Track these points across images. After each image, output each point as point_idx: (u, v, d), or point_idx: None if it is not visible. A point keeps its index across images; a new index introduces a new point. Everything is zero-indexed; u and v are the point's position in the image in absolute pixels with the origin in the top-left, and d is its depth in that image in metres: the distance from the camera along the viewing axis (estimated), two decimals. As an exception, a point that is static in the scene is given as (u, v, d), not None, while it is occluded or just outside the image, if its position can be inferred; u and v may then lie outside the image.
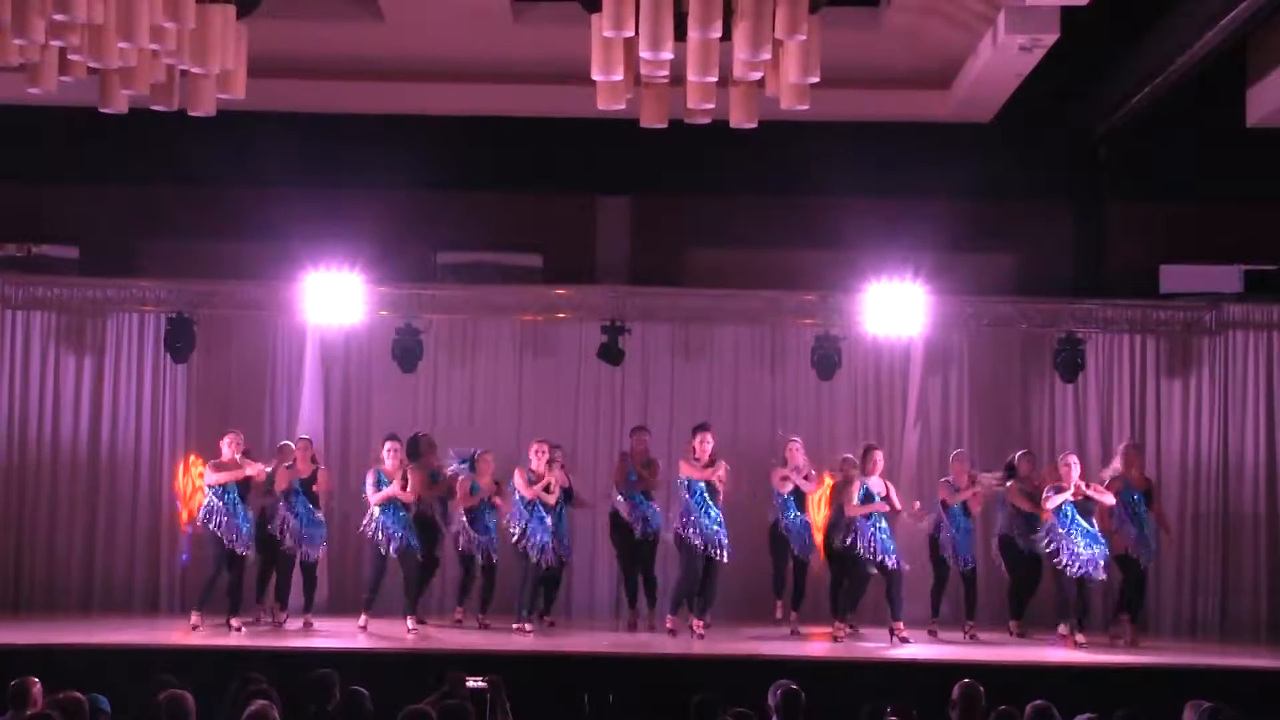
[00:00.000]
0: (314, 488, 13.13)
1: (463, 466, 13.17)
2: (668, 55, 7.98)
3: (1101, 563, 12.72)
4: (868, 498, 12.80)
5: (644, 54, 7.99)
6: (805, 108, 8.50)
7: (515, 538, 12.77)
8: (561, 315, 14.69)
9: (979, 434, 14.83)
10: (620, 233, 15.31)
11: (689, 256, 15.42)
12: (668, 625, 12.98)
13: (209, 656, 11.65)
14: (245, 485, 12.93)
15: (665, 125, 8.85)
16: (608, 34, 8.00)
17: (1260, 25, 11.60)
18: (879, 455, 13.03)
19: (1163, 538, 13.46)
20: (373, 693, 8.08)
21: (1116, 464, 13.34)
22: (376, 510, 12.79)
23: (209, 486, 12.82)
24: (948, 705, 7.98)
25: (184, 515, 13.98)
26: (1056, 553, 12.71)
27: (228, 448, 12.89)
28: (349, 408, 14.86)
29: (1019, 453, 13.67)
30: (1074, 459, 13.02)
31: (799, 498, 13.34)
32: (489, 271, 15.25)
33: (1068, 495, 12.70)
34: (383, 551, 12.79)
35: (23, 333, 14.68)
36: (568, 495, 13.26)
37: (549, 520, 12.83)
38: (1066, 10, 11.32)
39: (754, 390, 14.97)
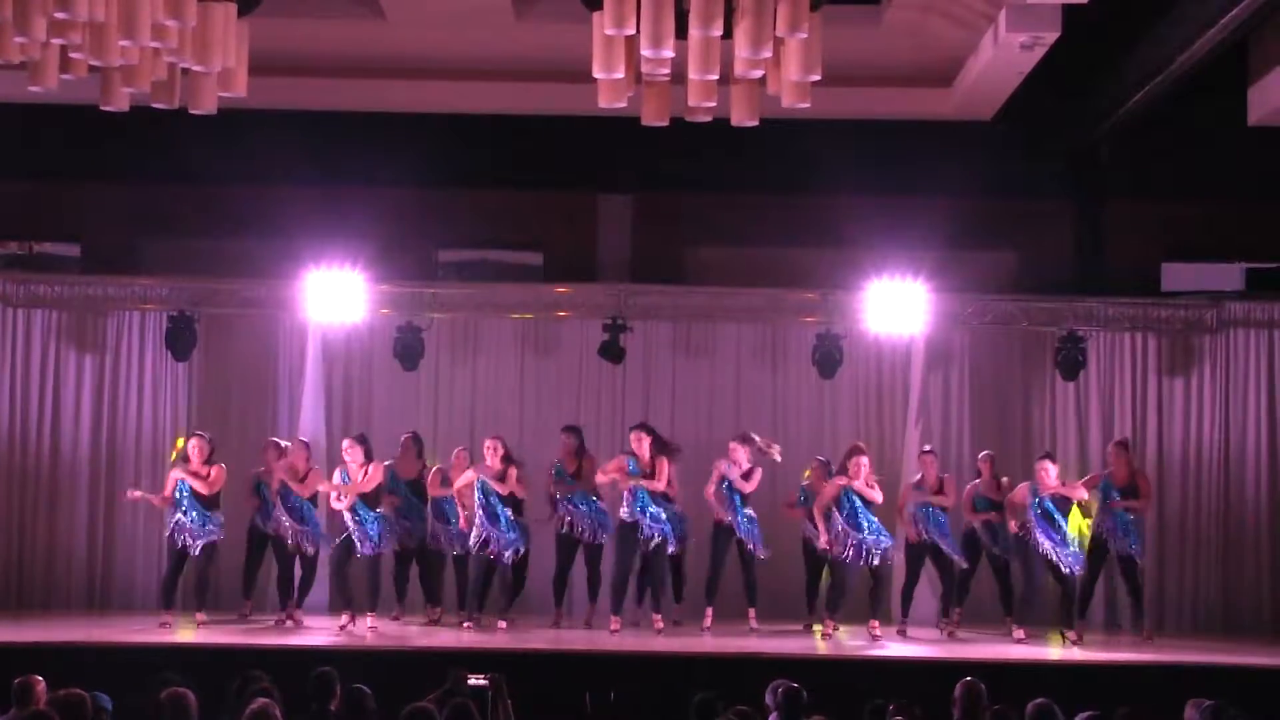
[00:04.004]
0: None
1: None
2: (669, 53, 7.99)
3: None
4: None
5: (645, 52, 7.99)
6: (806, 105, 8.50)
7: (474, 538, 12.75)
8: (562, 313, 14.67)
9: (980, 432, 14.81)
10: (621, 231, 15.31)
11: (690, 254, 15.44)
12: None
13: (211, 654, 11.65)
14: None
15: (666, 123, 8.86)
16: (609, 32, 8.01)
17: (1261, 24, 11.60)
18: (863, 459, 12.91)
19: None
20: (374, 690, 8.08)
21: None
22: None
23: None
24: (949, 703, 7.98)
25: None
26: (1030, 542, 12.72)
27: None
28: (350, 406, 14.86)
29: (981, 454, 13.71)
30: (1049, 464, 12.87)
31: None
32: (490, 269, 15.28)
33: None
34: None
35: (24, 331, 14.66)
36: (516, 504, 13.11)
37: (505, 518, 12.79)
38: (1068, 8, 11.33)
39: (755, 388, 14.96)
